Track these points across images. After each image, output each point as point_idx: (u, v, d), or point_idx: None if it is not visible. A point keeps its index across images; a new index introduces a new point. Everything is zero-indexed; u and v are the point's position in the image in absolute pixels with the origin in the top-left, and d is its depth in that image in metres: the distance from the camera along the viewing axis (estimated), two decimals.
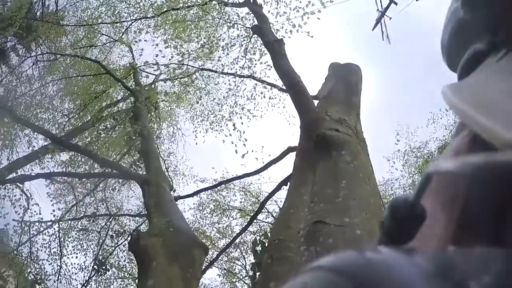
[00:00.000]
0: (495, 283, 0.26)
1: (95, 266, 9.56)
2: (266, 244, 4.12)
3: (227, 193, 12.34)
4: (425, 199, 0.36)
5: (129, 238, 10.18)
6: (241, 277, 13.59)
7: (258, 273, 4.14)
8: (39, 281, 10.52)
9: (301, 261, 2.95)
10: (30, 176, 7.95)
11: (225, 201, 12.51)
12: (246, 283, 13.43)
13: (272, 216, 11.00)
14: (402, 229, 0.36)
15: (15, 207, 9.19)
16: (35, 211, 9.36)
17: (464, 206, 0.38)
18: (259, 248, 4.26)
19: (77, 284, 11.24)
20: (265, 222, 11.40)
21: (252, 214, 11.84)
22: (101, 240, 10.54)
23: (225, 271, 13.58)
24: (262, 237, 4.30)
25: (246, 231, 9.94)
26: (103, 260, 9.50)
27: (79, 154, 10.00)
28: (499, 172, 0.29)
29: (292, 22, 8.41)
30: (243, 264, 13.45)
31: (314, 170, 3.64)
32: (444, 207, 0.39)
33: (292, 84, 5.47)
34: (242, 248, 12.80)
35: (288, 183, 6.47)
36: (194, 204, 12.17)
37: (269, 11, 8.39)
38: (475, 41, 0.45)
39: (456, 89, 0.41)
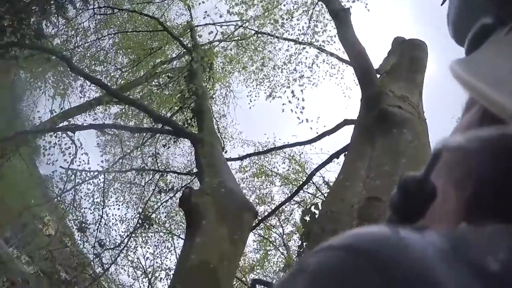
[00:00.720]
0: (510, 260, 0.26)
1: (140, 220, 9.84)
2: (317, 215, 4.12)
3: (272, 158, 12.31)
4: (435, 177, 0.36)
5: (174, 196, 10.52)
6: (276, 245, 13.70)
7: (305, 243, 4.16)
8: (83, 228, 10.89)
9: None
10: (82, 126, 8.15)
11: (268, 166, 12.53)
12: (281, 252, 13.58)
13: (317, 188, 10.97)
14: (412, 207, 0.37)
15: (64, 155, 9.39)
16: (83, 161, 9.60)
17: (476, 182, 0.37)
18: (308, 218, 4.27)
19: (116, 235, 11.70)
20: (309, 193, 11.38)
21: (295, 183, 11.94)
22: (145, 194, 10.85)
23: (261, 237, 13.71)
24: (313, 207, 4.29)
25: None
26: (149, 215, 9.74)
27: (129, 108, 10.24)
28: (510, 144, 0.29)
29: None
30: (280, 233, 13.55)
31: (373, 145, 3.60)
32: (456, 184, 0.39)
33: (356, 56, 5.35)
34: (281, 217, 12.88)
35: (340, 157, 6.46)
36: (236, 166, 12.27)
37: None
38: (482, 15, 0.45)
39: (465, 64, 0.40)
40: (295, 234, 13.20)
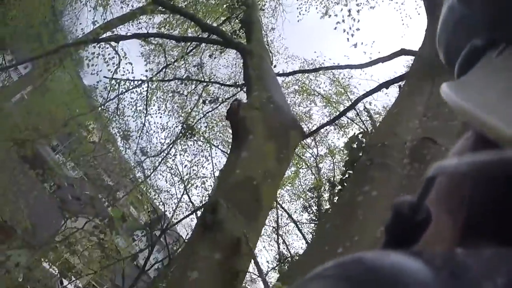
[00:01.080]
0: (509, 284, 0.26)
1: (182, 129, 9.92)
2: (364, 145, 3.98)
3: (316, 77, 11.98)
4: (430, 202, 0.37)
5: (217, 108, 10.51)
6: (308, 165, 13.74)
7: (349, 172, 4.05)
8: (126, 136, 11.12)
9: (402, 174, 2.85)
10: (126, 36, 8.01)
11: (311, 85, 12.27)
12: (312, 173, 13.66)
13: (357, 114, 10.76)
14: (407, 232, 0.37)
15: (108, 65, 9.40)
16: (126, 70, 9.62)
17: (470, 206, 0.37)
18: (354, 145, 4.14)
19: (156, 143, 11.95)
20: (348, 117, 11.17)
21: (335, 106, 11.75)
22: (187, 104, 10.88)
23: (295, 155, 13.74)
24: (361, 135, 4.14)
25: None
26: (191, 125, 9.80)
27: (173, 17, 9.99)
28: (504, 169, 0.29)
29: None
30: (313, 153, 13.55)
31: (433, 81, 3.39)
32: (450, 208, 0.39)
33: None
34: (316, 137, 12.79)
35: (390, 87, 6.22)
36: (279, 81, 11.95)
37: None
38: (473, 37, 0.44)
39: (457, 87, 0.41)
40: (328, 156, 13.23)
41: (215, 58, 10.54)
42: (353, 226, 2.80)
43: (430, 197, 0.37)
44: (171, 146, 10.91)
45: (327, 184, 12.63)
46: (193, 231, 3.43)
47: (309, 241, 11.83)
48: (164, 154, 11.02)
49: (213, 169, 11.80)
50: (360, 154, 3.99)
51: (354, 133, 4.33)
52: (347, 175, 4.17)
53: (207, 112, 10.63)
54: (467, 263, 0.28)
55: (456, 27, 0.48)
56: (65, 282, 22.58)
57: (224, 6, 9.05)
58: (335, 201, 13.36)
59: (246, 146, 3.73)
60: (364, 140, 4.18)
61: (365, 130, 9.37)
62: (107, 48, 9.03)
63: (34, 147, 11.64)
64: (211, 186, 11.78)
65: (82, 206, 14.63)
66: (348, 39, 7.67)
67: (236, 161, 3.64)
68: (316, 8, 9.70)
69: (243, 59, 5.25)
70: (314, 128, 10.82)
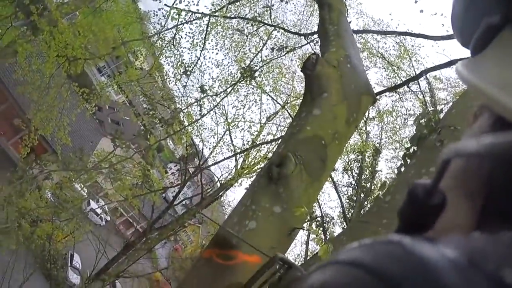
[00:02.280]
0: None
1: (244, 71, 9.83)
2: (432, 123, 3.88)
3: (382, 38, 11.61)
4: (448, 185, 0.36)
5: (283, 56, 10.28)
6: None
7: (413, 148, 3.98)
8: (186, 71, 11.07)
9: None
10: None
11: (376, 46, 11.89)
12: (360, 135, 13.45)
13: (419, 86, 10.47)
14: (422, 216, 0.36)
15: None
16: (191, 1, 9.50)
17: (489, 189, 0.36)
18: (423, 121, 4.04)
19: (208, 78, 11.89)
20: (408, 87, 10.89)
21: (397, 72, 11.43)
22: (246, 44, 10.71)
23: None
24: (431, 114, 4.02)
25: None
26: (253, 68, 9.71)
27: None
28: None
29: None
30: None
31: None
32: (468, 192, 0.38)
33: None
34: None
35: None
36: None
37: None
38: (488, 15, 0.43)
39: (472, 66, 0.40)
40: (375, 120, 13.03)
41: (287, 2, 10.25)
42: None
43: (448, 180, 0.36)
44: (231, 87, 10.79)
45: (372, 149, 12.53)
46: (254, 181, 3.46)
47: (344, 204, 11.84)
48: (224, 95, 10.90)
49: (260, 115, 11.78)
50: (425, 132, 3.91)
51: (425, 107, 4.22)
52: (411, 150, 4.10)
53: (271, 59, 10.43)
54: (485, 249, 0.28)
55: (470, 6, 0.47)
56: (93, 205, 23.53)
57: None
58: (376, 168, 13.28)
59: (319, 103, 3.68)
60: (431, 118, 4.07)
61: (423, 102, 9.15)
62: None
63: (83, 66, 11.82)
64: (256, 131, 11.75)
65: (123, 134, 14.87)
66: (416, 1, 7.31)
67: (307, 117, 3.61)
68: None
69: (321, 11, 5.10)
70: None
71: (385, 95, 11.48)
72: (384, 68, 12.14)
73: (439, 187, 0.36)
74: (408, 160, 4.03)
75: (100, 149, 18.34)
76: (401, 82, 8.81)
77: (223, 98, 11.04)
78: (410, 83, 8.36)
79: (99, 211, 25.31)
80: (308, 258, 10.29)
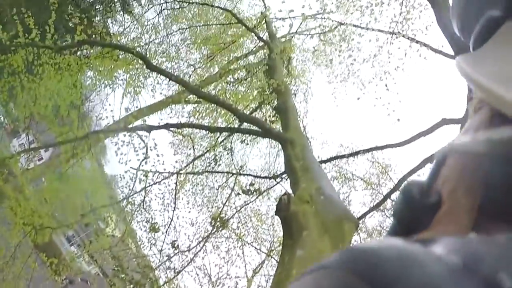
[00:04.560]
0: None
1: (215, 224, 9.79)
2: None
3: (353, 160, 11.90)
4: (447, 179, 0.36)
5: (253, 201, 10.37)
6: None
7: None
8: (155, 229, 11.04)
9: None
10: (158, 126, 8.17)
11: (349, 170, 12.14)
12: None
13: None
14: (417, 216, 0.36)
15: (137, 155, 9.49)
16: (158, 161, 9.71)
17: (487, 187, 0.36)
18: None
19: (185, 239, 11.73)
20: (393, 200, 10.97)
21: (376, 188, 11.55)
22: (218, 197, 10.77)
23: None
24: None
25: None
26: (224, 219, 9.69)
27: (203, 106, 10.22)
28: None
29: None
30: (355, 240, 13.19)
31: None
32: (468, 187, 0.37)
33: (459, 45, 5.04)
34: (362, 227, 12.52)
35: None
36: None
37: None
38: (489, 8, 0.43)
39: (472, 60, 0.40)
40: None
41: (247, 144, 10.55)
42: None
43: (444, 178, 0.36)
44: (204, 241, 10.69)
45: None
46: None
47: None
48: (198, 250, 10.76)
49: (246, 269, 11.49)
50: None
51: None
52: None
53: (244, 206, 10.51)
54: (481, 251, 0.27)
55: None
56: None
57: (256, 93, 9.23)
58: None
59: (301, 243, 3.61)
60: None
61: None
62: (137, 136, 9.20)
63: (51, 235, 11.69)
64: (244, 287, 11.44)
65: None
66: (389, 114, 7.68)
67: (291, 261, 3.51)
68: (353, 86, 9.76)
69: (284, 149, 5.23)
70: (356, 214, 10.61)
71: (372, 216, 11.50)
72: (364, 188, 12.28)
73: (435, 185, 0.36)
74: None
75: None
76: (383, 197, 8.84)
77: (197, 252, 10.90)
78: (392, 195, 8.42)
79: None
80: None
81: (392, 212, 0.38)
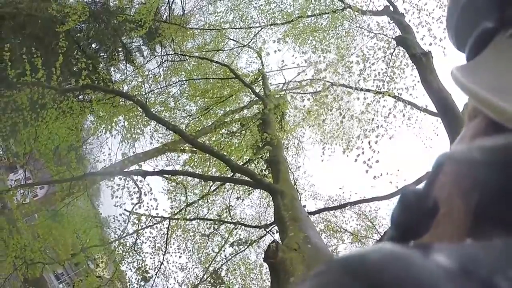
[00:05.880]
0: None
1: (209, 278, 9.77)
2: None
3: (341, 213, 12.12)
4: (444, 183, 0.37)
5: (243, 251, 10.40)
6: None
7: None
8: (146, 278, 11.01)
9: None
10: (153, 172, 8.40)
11: (336, 222, 12.34)
12: None
13: None
14: (414, 222, 0.36)
15: (132, 199, 9.68)
16: (151, 205, 9.87)
17: (482, 193, 0.35)
18: None
19: (174, 283, 11.70)
20: None
21: (364, 241, 11.66)
22: (209, 244, 10.84)
23: None
24: None
25: None
26: (219, 272, 9.70)
27: (197, 155, 10.47)
28: None
29: (433, 34, 8.18)
30: None
31: None
32: (461, 196, 0.37)
33: (443, 104, 5.29)
34: None
35: None
36: None
37: (409, 21, 8.07)
38: (483, 19, 0.44)
39: (467, 71, 0.41)
40: None
41: (243, 200, 10.79)
42: None
43: (444, 181, 0.37)
44: None
45: None
46: None
47: None
48: None
49: None
50: None
51: None
52: None
53: (235, 255, 10.58)
54: (478, 256, 0.27)
55: (465, 10, 0.47)
56: None
57: (249, 145, 9.50)
58: None
59: None
60: None
61: None
62: (131, 181, 9.38)
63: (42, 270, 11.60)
64: None
65: None
66: (367, 171, 7.71)
67: None
68: (340, 145, 10.02)
69: (274, 200, 5.47)
70: None
71: None
72: (351, 241, 12.43)
73: (432, 192, 0.36)
74: None
75: None
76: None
77: None
78: None
79: None
80: None
81: (390, 219, 0.38)
